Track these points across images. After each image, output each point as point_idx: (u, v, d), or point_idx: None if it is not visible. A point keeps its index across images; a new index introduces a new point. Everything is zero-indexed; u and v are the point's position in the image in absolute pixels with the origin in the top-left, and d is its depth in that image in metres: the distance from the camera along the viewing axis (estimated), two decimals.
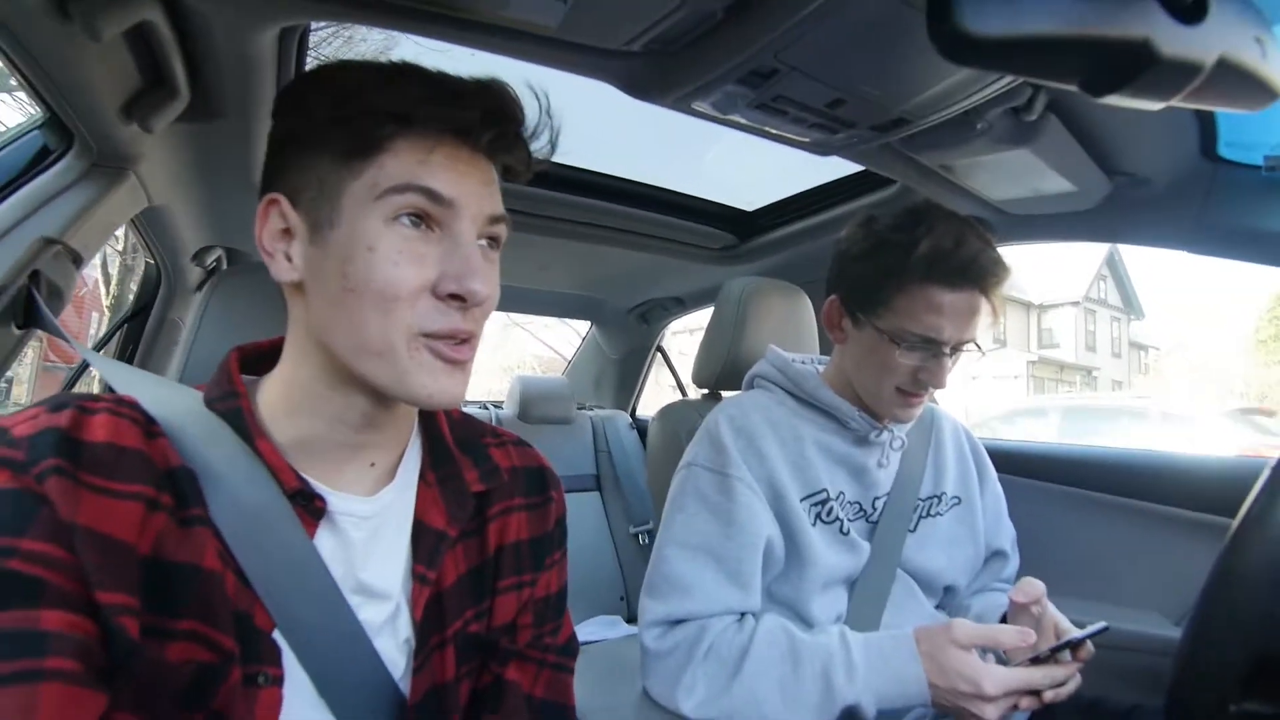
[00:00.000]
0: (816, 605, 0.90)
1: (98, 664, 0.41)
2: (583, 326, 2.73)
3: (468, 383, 0.52)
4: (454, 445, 0.60)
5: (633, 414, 2.53)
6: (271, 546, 0.49)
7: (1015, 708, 0.76)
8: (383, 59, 0.52)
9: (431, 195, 0.48)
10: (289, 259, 0.51)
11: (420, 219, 0.48)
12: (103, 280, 6.52)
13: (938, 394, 1.25)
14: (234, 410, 0.51)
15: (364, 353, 0.48)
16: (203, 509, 0.48)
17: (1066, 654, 0.77)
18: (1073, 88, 0.49)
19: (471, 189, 0.50)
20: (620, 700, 0.90)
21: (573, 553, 2.11)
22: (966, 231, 0.86)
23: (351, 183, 0.48)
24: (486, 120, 0.49)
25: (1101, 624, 0.77)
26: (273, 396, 0.54)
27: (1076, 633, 0.78)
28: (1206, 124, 0.95)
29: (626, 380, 2.55)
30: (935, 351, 0.88)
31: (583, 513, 2.16)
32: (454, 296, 0.48)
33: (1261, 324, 16.49)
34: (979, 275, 0.85)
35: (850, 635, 0.83)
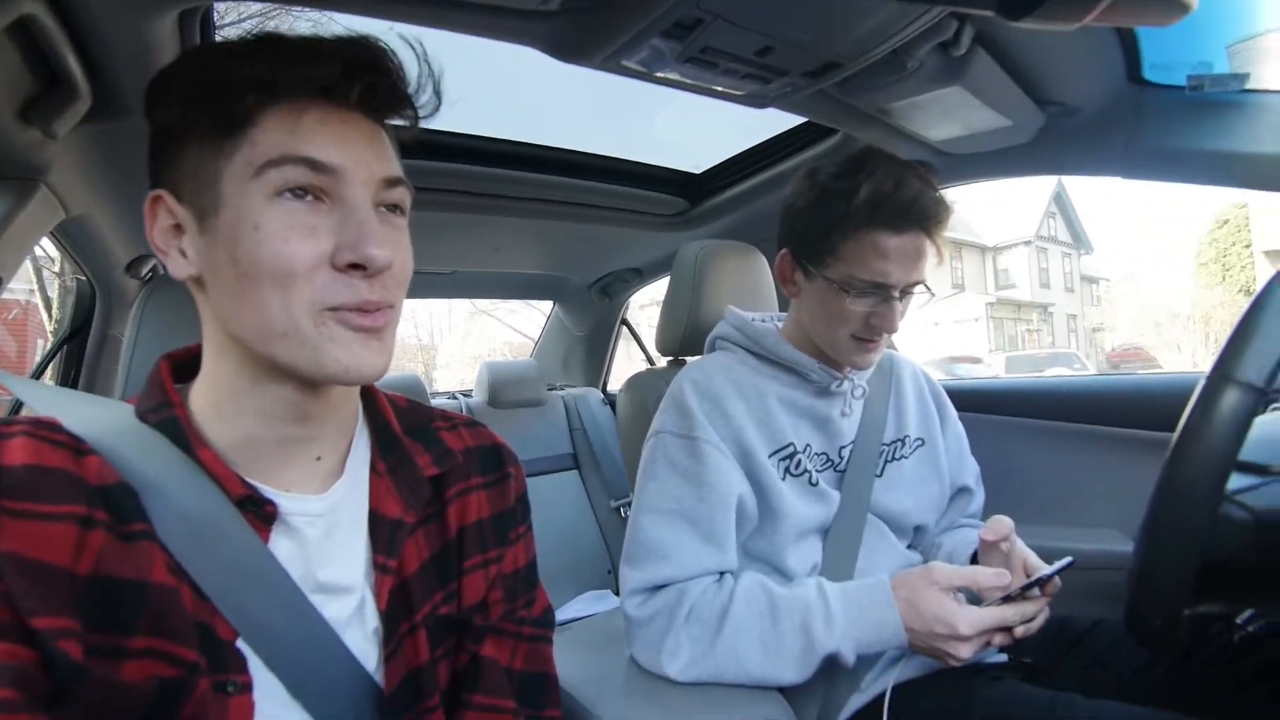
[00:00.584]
0: (792, 557, 0.92)
1: (37, 690, 0.40)
2: (549, 309, 2.70)
3: (389, 354, 0.51)
4: (402, 433, 0.60)
5: (604, 389, 2.53)
6: (224, 556, 0.48)
7: (988, 644, 0.79)
8: None
9: (311, 164, 0.46)
10: (183, 254, 0.49)
11: (305, 191, 0.46)
12: (43, 304, 6.24)
13: (898, 339, 1.27)
14: (169, 420, 0.49)
15: (272, 337, 0.46)
16: (146, 524, 0.46)
17: (1036, 590, 0.80)
18: (989, 12, 0.49)
19: (355, 153, 0.47)
20: (610, 670, 0.91)
21: (557, 532, 2.12)
22: (906, 174, 0.86)
23: (225, 164, 0.46)
24: (350, 74, 0.47)
25: (1067, 559, 0.80)
26: (203, 401, 0.52)
27: (1045, 569, 0.81)
28: (1130, 48, 0.96)
29: (594, 356, 2.54)
30: (885, 296, 0.89)
31: (563, 492, 2.17)
32: (353, 266, 0.46)
33: (1202, 247, 17.10)
34: (921, 216, 0.86)
35: (827, 586, 0.85)
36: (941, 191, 0.89)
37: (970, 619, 0.77)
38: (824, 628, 0.81)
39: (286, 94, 0.46)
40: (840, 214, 0.87)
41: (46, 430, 0.45)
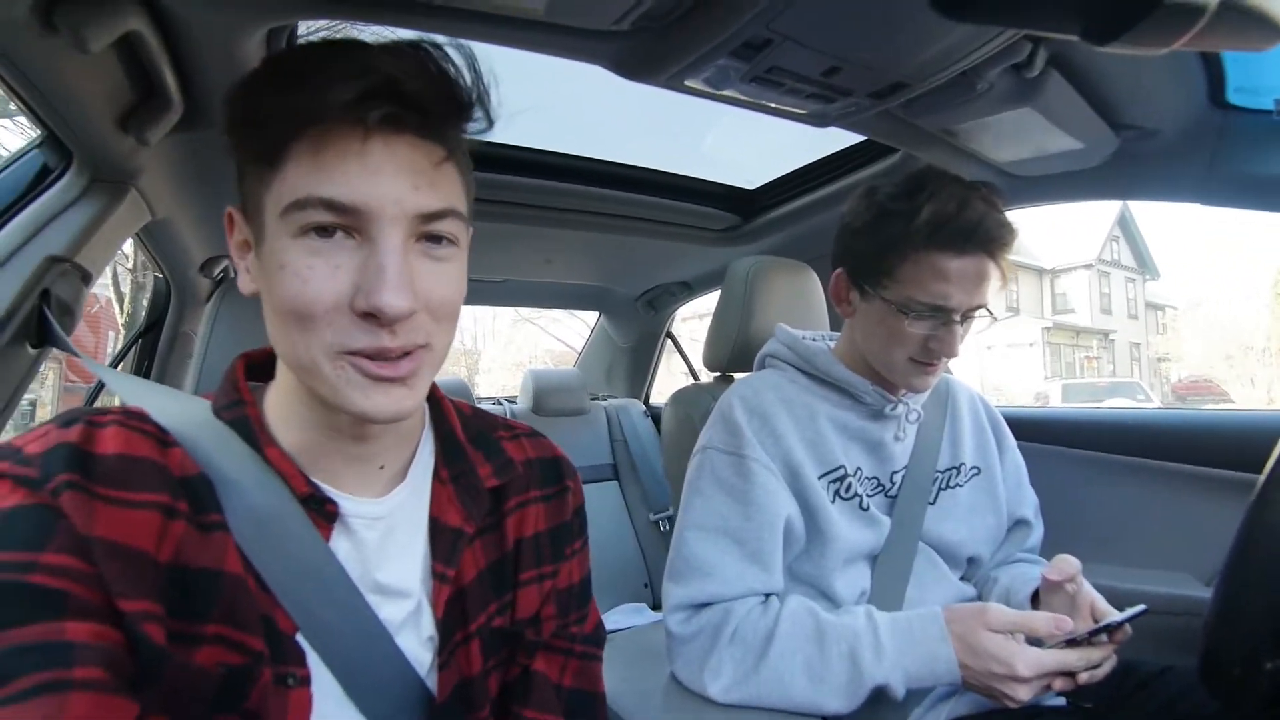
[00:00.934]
0: (840, 582, 0.90)
1: (126, 672, 0.42)
2: (592, 319, 2.73)
3: (417, 397, 0.49)
4: (466, 441, 0.60)
5: (646, 401, 2.53)
6: (288, 551, 0.49)
7: (1048, 688, 0.76)
8: None
9: (330, 206, 0.43)
10: (248, 271, 0.51)
11: (332, 229, 0.44)
12: (115, 298, 6.60)
13: (953, 364, 1.24)
14: (241, 418, 0.52)
15: (299, 369, 0.47)
16: (220, 515, 0.48)
17: (1104, 636, 0.76)
18: (1073, 37, 0.48)
19: (383, 187, 0.44)
20: (649, 686, 0.90)
21: (595, 543, 2.11)
22: (970, 195, 0.84)
23: (265, 195, 0.45)
24: (370, 95, 0.42)
25: (1140, 607, 0.76)
26: (275, 404, 0.54)
27: (1115, 615, 0.77)
28: (1214, 70, 0.93)
29: (638, 368, 2.55)
30: (945, 319, 0.87)
31: (602, 503, 2.17)
32: (368, 315, 0.44)
33: (1278, 278, 16.16)
34: (985, 239, 0.84)
35: (877, 615, 0.82)
36: (1006, 214, 0.87)
37: (1030, 659, 0.74)
38: (873, 658, 0.78)
39: (309, 121, 0.43)
40: (899, 234, 0.86)
41: (136, 421, 0.48)
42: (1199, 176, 1.04)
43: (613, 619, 1.87)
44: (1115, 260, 20.85)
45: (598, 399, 2.42)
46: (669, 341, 2.53)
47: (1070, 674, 0.75)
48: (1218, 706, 0.81)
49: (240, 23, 0.72)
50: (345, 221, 0.44)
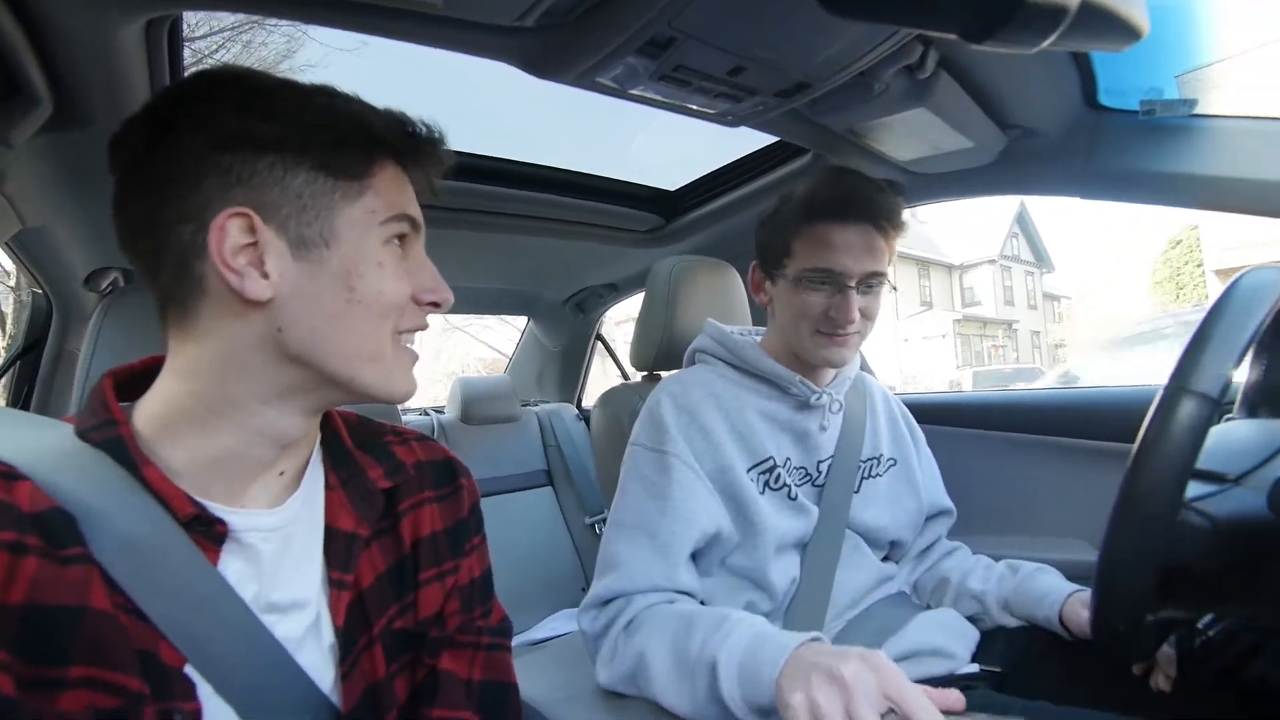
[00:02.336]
0: (772, 570, 0.92)
1: None
2: (523, 325, 2.69)
3: None
4: (354, 447, 0.60)
5: (578, 405, 2.52)
6: (169, 581, 0.46)
7: None
8: (285, 63, 0.51)
9: (413, 223, 0.55)
10: (264, 276, 0.48)
11: (401, 239, 0.54)
12: None
13: (872, 356, 1.28)
14: (113, 439, 0.48)
15: (359, 358, 0.51)
16: (84, 548, 0.44)
17: None
18: (952, 36, 0.51)
19: (418, 210, 0.56)
20: (578, 690, 0.89)
21: (531, 549, 2.08)
22: (846, 173, 0.93)
23: (345, 206, 0.50)
24: (435, 157, 0.56)
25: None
26: (164, 417, 0.50)
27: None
28: (1086, 73, 1.01)
29: (569, 372, 2.53)
30: (838, 285, 0.92)
31: (537, 509, 2.14)
32: (432, 304, 0.56)
33: (1157, 267, 17.71)
34: (861, 206, 0.90)
35: (756, 619, 0.74)
36: (890, 190, 0.93)
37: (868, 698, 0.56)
38: (716, 634, 0.71)
39: (396, 158, 0.54)
40: (788, 215, 0.95)
41: None
42: (1078, 172, 1.12)
43: (550, 625, 1.85)
44: (1016, 255, 22.36)
45: (529, 405, 2.39)
46: (599, 344, 2.53)
47: None
48: (1114, 663, 0.88)
49: (112, 14, 0.67)
50: (410, 235, 0.55)
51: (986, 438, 1.47)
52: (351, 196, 0.51)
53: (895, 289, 0.98)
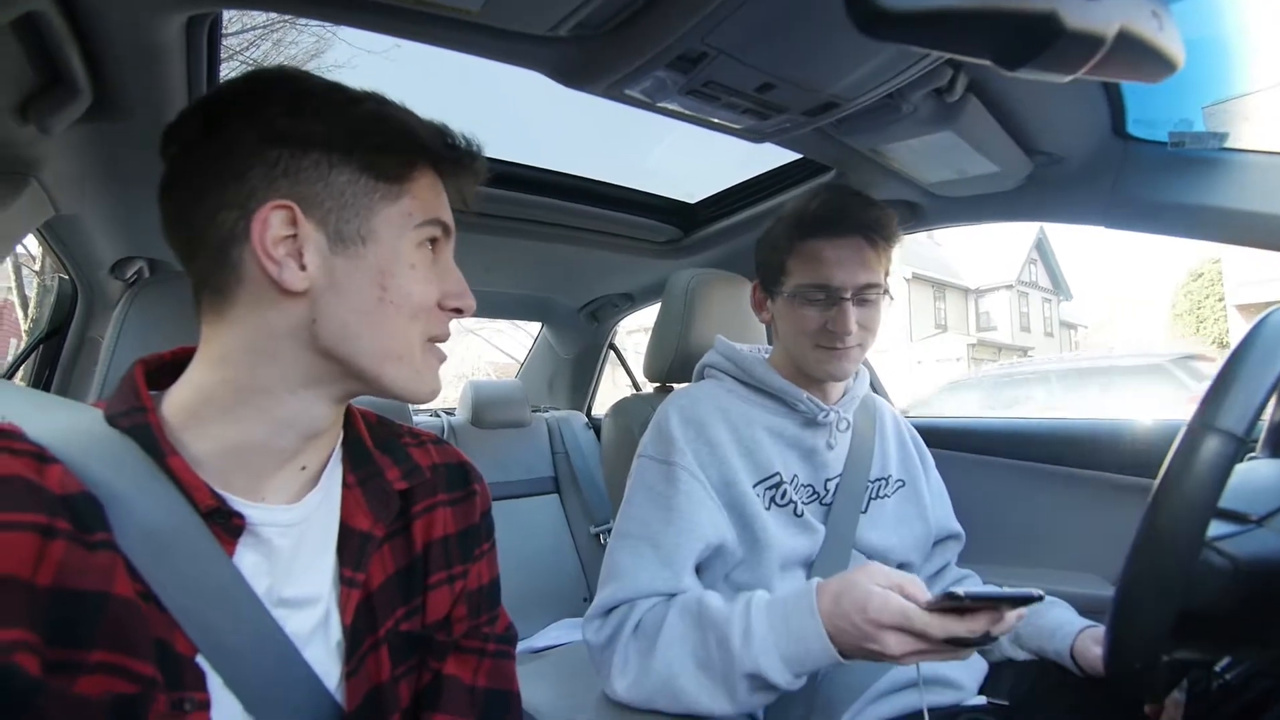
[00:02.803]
0: (778, 589, 0.91)
1: None
2: (536, 330, 2.70)
3: None
4: (373, 447, 0.60)
5: (588, 413, 2.51)
6: (186, 571, 0.47)
7: (921, 654, 0.68)
8: (313, 62, 0.52)
9: (445, 229, 0.56)
10: (302, 267, 0.50)
11: (433, 243, 0.55)
12: (19, 302, 6.12)
13: (886, 379, 1.27)
14: (141, 426, 0.49)
15: (388, 357, 0.52)
16: (109, 533, 0.45)
17: (982, 618, 0.67)
18: (986, 61, 0.51)
19: (451, 218, 0.57)
20: (581, 701, 0.89)
21: (535, 556, 2.07)
22: (835, 190, 0.96)
23: (384, 206, 0.52)
24: (472, 169, 0.58)
25: (1035, 590, 0.68)
26: (192, 407, 0.51)
27: (996, 590, 0.73)
28: (1116, 102, 1.00)
29: (580, 380, 2.53)
30: (834, 299, 0.93)
31: (542, 516, 2.14)
32: (455, 310, 0.57)
33: (1177, 299, 17.50)
34: (850, 220, 0.92)
35: (756, 597, 0.79)
36: (879, 204, 0.95)
37: (880, 604, 0.68)
38: (741, 643, 0.74)
39: (435, 166, 0.56)
40: (782, 234, 0.98)
41: (5, 440, 0.44)
42: (1103, 202, 1.11)
43: (552, 634, 1.84)
44: (1033, 282, 22.18)
45: (539, 411, 2.39)
46: (612, 353, 2.53)
47: (935, 642, 0.68)
48: (1127, 701, 0.86)
49: (156, 9, 0.69)
50: (442, 240, 0.56)
51: (999, 464, 1.45)
52: (391, 198, 0.52)
53: (893, 299, 0.99)
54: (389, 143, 0.52)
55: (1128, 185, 1.08)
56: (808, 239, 0.94)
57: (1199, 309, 16.82)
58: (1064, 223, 1.24)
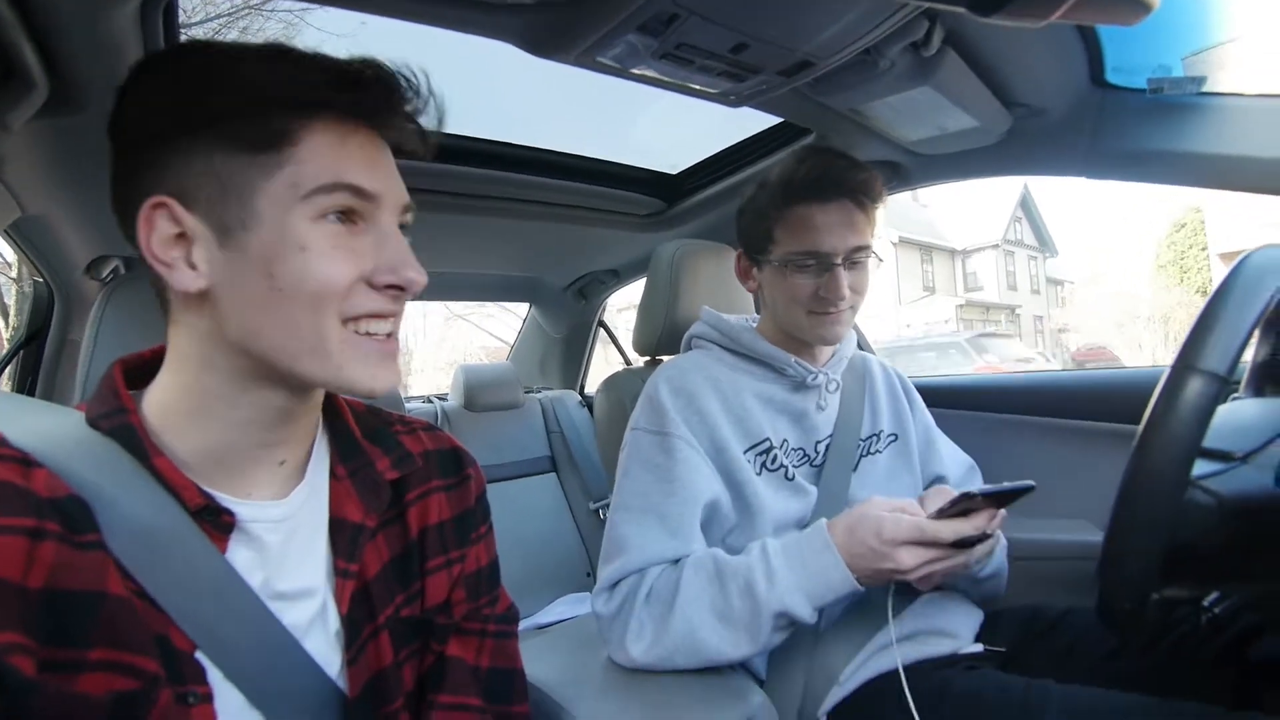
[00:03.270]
0: None
1: None
2: (526, 313, 2.68)
3: (398, 367, 0.52)
4: (362, 438, 0.59)
5: (581, 391, 2.52)
6: (179, 569, 0.46)
7: (934, 570, 0.78)
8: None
9: (357, 192, 0.47)
10: (192, 267, 0.46)
11: (345, 214, 0.47)
12: None
13: (872, 338, 1.27)
14: (123, 427, 0.48)
15: (300, 353, 0.47)
16: (98, 534, 0.44)
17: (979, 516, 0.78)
18: (960, 9, 0.50)
19: (387, 179, 0.49)
20: (586, 672, 0.90)
21: (535, 535, 2.08)
22: (819, 152, 0.95)
23: (264, 182, 0.45)
24: (392, 102, 0.48)
25: (1027, 482, 0.77)
26: (167, 408, 0.50)
27: (997, 486, 0.78)
28: (1093, 51, 0.99)
29: (571, 358, 2.53)
30: (825, 265, 0.93)
31: (541, 495, 2.15)
32: (391, 287, 0.49)
33: (1161, 250, 17.61)
34: (838, 183, 0.91)
35: (770, 543, 0.84)
36: (864, 166, 0.94)
37: (892, 522, 0.78)
38: (766, 585, 0.80)
39: (330, 115, 0.46)
40: (767, 201, 0.96)
41: None
42: (1084, 152, 1.11)
43: (556, 610, 1.86)
44: (1019, 240, 22.23)
45: (532, 391, 2.39)
46: (602, 330, 2.52)
47: (949, 548, 0.78)
48: (1116, 641, 0.88)
49: None
50: (361, 207, 0.48)
51: (988, 420, 1.47)
52: (269, 170, 0.45)
53: (881, 260, 0.99)
54: (249, 105, 0.45)
55: (1108, 134, 1.08)
56: (795, 205, 0.93)
57: (1182, 259, 16.95)
58: (1045, 175, 1.24)
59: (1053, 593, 1.07)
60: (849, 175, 0.92)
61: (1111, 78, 1.06)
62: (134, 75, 0.48)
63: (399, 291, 0.50)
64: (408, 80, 0.49)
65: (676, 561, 0.88)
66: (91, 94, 0.82)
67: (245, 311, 0.47)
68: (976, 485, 0.82)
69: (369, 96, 0.47)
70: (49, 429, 0.47)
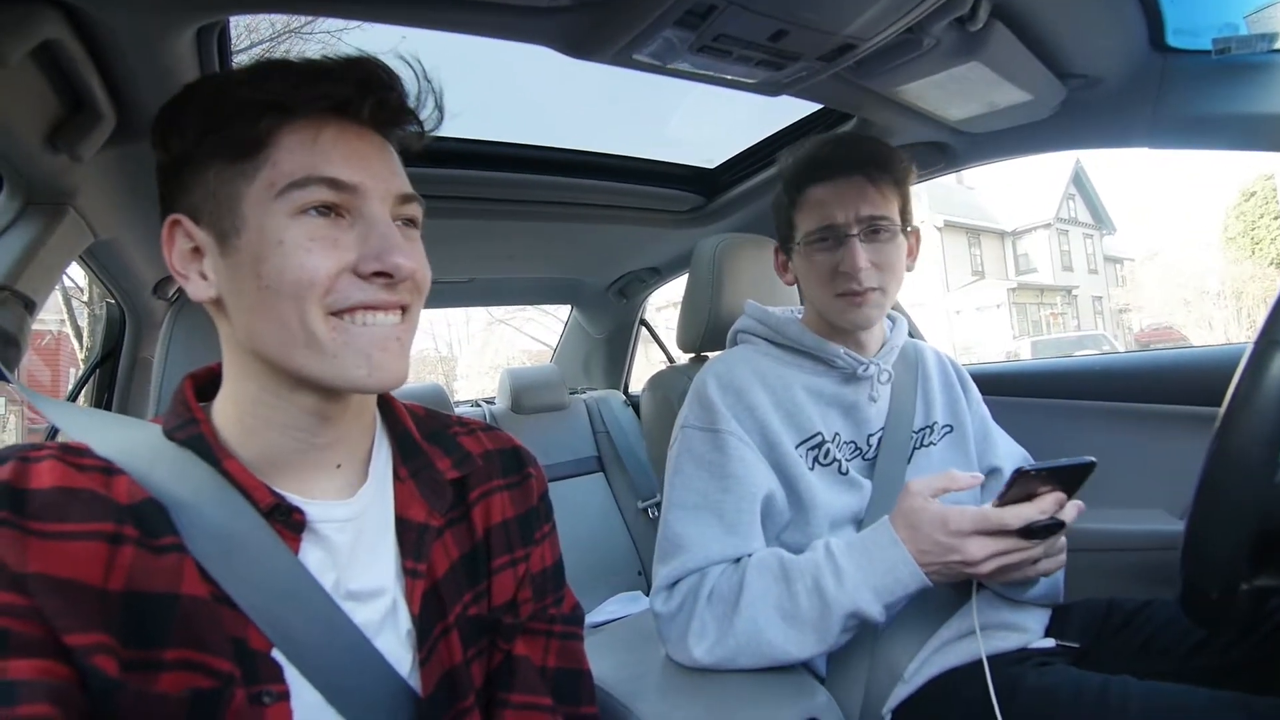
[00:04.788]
0: None
1: (77, 707, 0.41)
2: (566, 315, 2.71)
3: (406, 359, 0.52)
4: (421, 439, 0.61)
5: (625, 390, 2.53)
6: (255, 569, 0.48)
7: (1003, 562, 0.75)
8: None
9: (334, 184, 0.48)
10: (203, 277, 0.50)
11: (328, 209, 0.48)
12: (73, 333, 6.41)
13: (924, 328, 1.24)
14: (195, 437, 0.51)
15: (294, 349, 0.48)
16: (176, 537, 0.47)
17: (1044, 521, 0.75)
18: None
19: (371, 169, 0.50)
20: (644, 669, 0.90)
21: (585, 535, 2.10)
22: (825, 138, 0.97)
23: (246, 187, 0.48)
24: (363, 91, 0.49)
25: (1087, 458, 0.76)
26: (228, 418, 0.53)
27: (1053, 462, 0.76)
28: (1152, 14, 0.94)
29: (615, 358, 2.54)
30: (839, 237, 0.92)
31: (589, 495, 2.17)
32: (378, 274, 0.48)
33: (1229, 221, 16.66)
34: (841, 160, 0.93)
35: (834, 542, 0.83)
36: (876, 140, 0.96)
37: (959, 513, 0.76)
38: (835, 584, 0.79)
39: (302, 113, 0.48)
40: (784, 192, 0.99)
41: (74, 456, 0.47)
42: (1145, 120, 1.05)
43: (609, 609, 1.87)
44: (1072, 218, 21.33)
45: (577, 392, 2.41)
46: (644, 329, 2.53)
47: (1013, 535, 0.75)
48: (1200, 635, 0.83)
49: (166, 23, 0.69)
50: (342, 200, 0.48)
51: (1052, 406, 1.41)
52: (250, 174, 0.48)
53: (911, 232, 0.97)
54: (225, 117, 0.48)
55: (1171, 100, 1.02)
56: (806, 188, 0.95)
57: (1254, 229, 16.00)
58: (1104, 148, 1.18)
59: (1127, 586, 1.02)
60: (856, 149, 0.93)
61: (1173, 40, 1.00)
62: (155, 119, 0.52)
63: (388, 279, 0.49)
64: (384, 70, 0.50)
65: (737, 561, 0.87)
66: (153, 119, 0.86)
67: (245, 314, 0.49)
68: (1029, 462, 0.79)
69: (337, 89, 0.48)
70: (130, 441, 0.50)
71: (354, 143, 0.49)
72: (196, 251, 0.50)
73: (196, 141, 0.49)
